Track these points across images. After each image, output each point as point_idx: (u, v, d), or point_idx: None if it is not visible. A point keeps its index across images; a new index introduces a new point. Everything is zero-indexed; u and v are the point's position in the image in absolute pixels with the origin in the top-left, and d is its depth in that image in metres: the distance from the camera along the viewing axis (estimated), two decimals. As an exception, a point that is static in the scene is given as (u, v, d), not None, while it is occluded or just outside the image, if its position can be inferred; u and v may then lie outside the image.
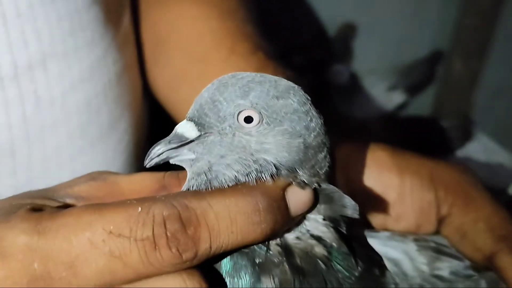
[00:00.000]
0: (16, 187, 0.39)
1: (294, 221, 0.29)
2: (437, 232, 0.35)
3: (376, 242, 0.32)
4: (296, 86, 0.30)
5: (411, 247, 0.31)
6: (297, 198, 0.28)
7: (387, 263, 0.30)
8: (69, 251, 0.24)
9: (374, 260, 0.29)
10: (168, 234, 0.25)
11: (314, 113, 0.29)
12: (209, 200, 0.26)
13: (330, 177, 0.30)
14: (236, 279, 0.28)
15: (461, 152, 0.94)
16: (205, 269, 0.27)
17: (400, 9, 1.25)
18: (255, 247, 0.28)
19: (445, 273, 0.30)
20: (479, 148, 0.95)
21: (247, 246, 0.28)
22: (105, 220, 0.25)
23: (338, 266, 0.28)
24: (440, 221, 0.34)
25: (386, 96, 1.29)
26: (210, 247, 0.26)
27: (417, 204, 0.34)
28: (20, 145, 0.42)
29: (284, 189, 0.28)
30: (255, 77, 0.29)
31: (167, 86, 0.52)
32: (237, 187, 0.28)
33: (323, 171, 0.29)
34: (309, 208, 0.29)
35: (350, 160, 0.36)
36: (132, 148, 0.51)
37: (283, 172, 0.28)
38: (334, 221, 0.30)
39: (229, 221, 0.26)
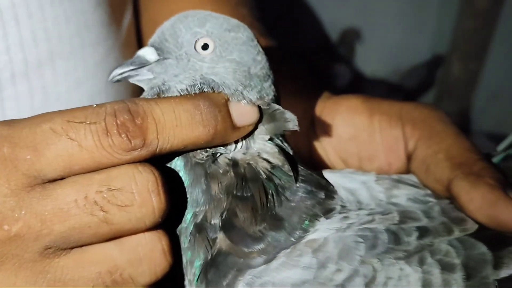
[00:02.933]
0: None
1: (239, 132, 0.31)
2: (408, 171, 0.35)
3: (335, 175, 0.33)
4: (245, 25, 0.33)
5: (370, 178, 0.32)
6: (239, 107, 0.31)
7: (342, 192, 0.32)
8: (33, 137, 0.28)
9: (320, 185, 0.31)
10: (118, 122, 0.28)
11: (260, 49, 0.32)
12: (156, 100, 0.30)
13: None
14: (192, 188, 0.31)
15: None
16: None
17: (400, 13, 1.26)
18: (207, 159, 0.31)
19: (401, 200, 0.31)
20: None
21: (195, 149, 0.31)
22: (64, 114, 0.29)
23: (278, 180, 0.31)
24: (409, 157, 0.34)
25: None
26: (157, 139, 0.29)
27: (386, 141, 0.35)
28: None
29: (227, 99, 0.31)
30: (212, 13, 0.32)
31: None
32: (183, 95, 0.31)
33: (269, 97, 0.32)
34: (253, 121, 0.31)
35: (325, 109, 0.38)
36: None
37: (226, 89, 0.32)
38: (281, 141, 0.32)
39: (173, 116, 0.29)
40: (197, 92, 0.31)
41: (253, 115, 0.31)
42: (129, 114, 0.29)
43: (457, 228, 0.28)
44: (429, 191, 0.32)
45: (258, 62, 0.32)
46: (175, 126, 0.29)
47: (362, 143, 0.36)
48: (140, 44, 0.58)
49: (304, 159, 0.35)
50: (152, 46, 0.33)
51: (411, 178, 0.34)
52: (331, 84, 1.23)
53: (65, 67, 0.46)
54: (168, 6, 0.56)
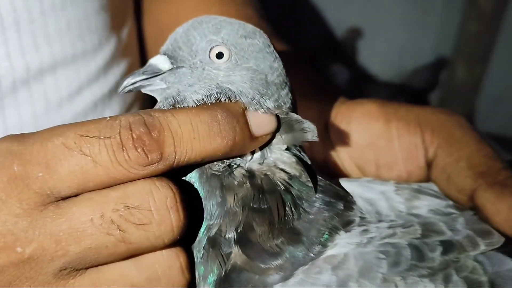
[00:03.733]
0: None
1: (257, 142, 0.30)
2: (428, 179, 0.34)
3: (353, 185, 0.32)
4: (261, 30, 0.32)
5: (390, 188, 0.31)
6: (257, 117, 0.30)
7: (361, 202, 0.30)
8: (44, 153, 0.27)
9: (339, 195, 0.30)
10: (134, 136, 0.27)
11: (277, 55, 0.31)
12: (172, 112, 0.28)
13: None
14: (207, 200, 0.30)
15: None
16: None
17: (404, 15, 1.26)
18: (224, 171, 0.30)
19: (423, 211, 0.30)
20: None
21: (212, 160, 0.30)
22: (77, 127, 0.27)
23: (296, 191, 0.30)
24: (429, 165, 0.33)
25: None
26: (175, 152, 0.28)
27: (405, 149, 0.34)
28: None
29: (244, 109, 0.30)
30: (226, 19, 0.31)
31: None
32: (199, 106, 0.30)
33: (287, 106, 0.31)
34: (271, 130, 0.31)
35: (339, 114, 0.37)
36: None
37: (243, 98, 0.30)
38: (299, 151, 0.31)
39: (191, 128, 0.28)
40: (213, 102, 0.30)
41: (271, 124, 0.31)
42: (145, 127, 0.28)
43: (482, 242, 0.27)
44: (451, 202, 0.31)
45: (275, 69, 0.31)
46: (192, 138, 0.28)
47: (379, 150, 0.34)
48: (142, 48, 0.57)
49: (318, 167, 0.34)
50: (165, 54, 0.31)
51: (432, 187, 0.32)
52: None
53: (67, 73, 0.45)
54: (171, 8, 0.55)
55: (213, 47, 0.30)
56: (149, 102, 0.57)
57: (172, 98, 0.31)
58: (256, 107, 0.31)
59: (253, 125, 0.30)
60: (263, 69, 0.31)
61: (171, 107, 0.31)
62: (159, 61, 0.31)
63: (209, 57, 0.30)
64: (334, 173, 0.37)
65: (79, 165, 0.27)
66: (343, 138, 0.36)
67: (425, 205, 0.30)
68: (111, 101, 0.49)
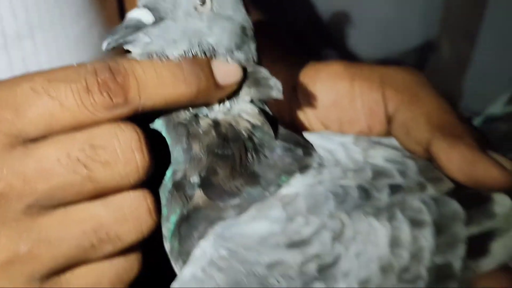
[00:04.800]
0: None
1: (222, 91, 0.32)
2: (389, 134, 0.36)
3: (314, 137, 0.34)
4: None
5: (349, 139, 0.33)
6: (223, 67, 0.32)
7: (321, 152, 0.32)
8: (13, 98, 0.28)
9: (299, 143, 0.32)
10: (99, 80, 0.29)
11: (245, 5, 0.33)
12: (137, 60, 0.30)
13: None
14: (174, 147, 0.32)
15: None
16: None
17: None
18: (190, 120, 0.32)
19: (378, 160, 0.32)
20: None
21: (177, 107, 0.32)
22: (45, 73, 0.29)
23: (257, 139, 0.31)
24: (389, 120, 0.36)
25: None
26: (139, 96, 0.30)
27: (367, 105, 0.36)
28: None
29: (210, 59, 0.32)
30: None
31: None
32: None
33: (255, 60, 0.33)
34: (237, 80, 0.32)
35: (307, 76, 0.39)
36: None
37: (220, 49, 0.32)
38: (261, 103, 0.33)
39: (155, 74, 0.30)
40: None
41: (237, 74, 0.32)
42: (110, 72, 0.29)
43: (432, 187, 0.29)
44: (407, 153, 0.33)
45: (248, 21, 0.33)
46: (157, 84, 0.30)
47: (343, 108, 0.37)
48: (123, 17, 0.57)
49: (286, 126, 0.35)
50: (146, 6, 0.31)
51: (391, 141, 0.34)
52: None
53: (45, 39, 0.47)
54: None
55: None
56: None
57: (155, 55, 0.31)
58: (227, 58, 0.33)
59: (218, 74, 0.32)
60: (241, 20, 0.32)
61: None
62: (140, 15, 0.31)
63: (192, 7, 0.31)
64: (301, 131, 0.38)
65: (46, 108, 0.28)
66: (309, 98, 0.38)
67: (381, 155, 0.32)
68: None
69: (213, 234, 0.29)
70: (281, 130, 0.33)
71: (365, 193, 0.28)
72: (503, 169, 0.28)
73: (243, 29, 0.32)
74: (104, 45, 0.32)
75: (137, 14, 0.31)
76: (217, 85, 0.32)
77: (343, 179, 0.30)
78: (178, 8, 0.31)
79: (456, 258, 0.27)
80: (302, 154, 0.31)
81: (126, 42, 0.32)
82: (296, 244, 0.27)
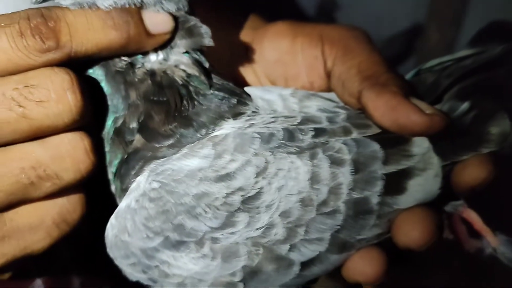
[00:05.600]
0: None
1: (154, 40, 0.33)
2: (330, 89, 0.38)
3: (255, 89, 0.35)
4: None
5: (287, 92, 0.35)
6: (153, 16, 0.32)
7: (259, 102, 0.34)
8: None
9: (234, 93, 0.33)
10: (32, 25, 0.30)
11: None
12: (69, 8, 0.31)
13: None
14: (113, 95, 0.33)
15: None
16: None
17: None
18: (127, 68, 0.33)
19: (312, 110, 0.33)
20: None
21: (111, 54, 0.33)
22: None
23: (193, 87, 0.33)
24: (328, 75, 0.37)
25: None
26: (71, 41, 0.31)
27: (307, 61, 0.37)
28: None
29: (139, 8, 0.32)
30: None
31: None
32: None
33: (185, 9, 0.34)
34: (168, 30, 0.33)
35: (256, 36, 0.41)
36: None
37: (149, 2, 0.33)
38: (198, 54, 0.34)
39: (85, 20, 0.31)
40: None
41: (168, 24, 0.33)
42: (42, 18, 0.30)
43: (356, 131, 0.31)
44: (341, 104, 0.34)
45: None
46: (87, 29, 0.31)
47: (286, 64, 0.38)
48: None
49: (232, 80, 0.37)
50: None
51: (330, 94, 0.36)
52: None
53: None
54: None
55: None
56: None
57: (86, 5, 0.32)
58: (157, 9, 0.33)
59: (149, 23, 0.32)
60: None
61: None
62: None
63: None
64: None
65: None
66: (256, 56, 0.39)
67: (315, 105, 0.34)
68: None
69: (147, 170, 0.31)
70: (217, 80, 0.33)
71: (289, 134, 0.30)
72: (422, 113, 0.30)
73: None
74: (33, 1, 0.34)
75: None
76: (148, 33, 0.32)
77: (272, 123, 0.31)
78: None
79: (373, 193, 0.29)
80: (236, 103, 0.32)
81: None
82: (221, 178, 0.29)
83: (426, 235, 0.30)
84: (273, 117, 0.32)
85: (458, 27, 1.15)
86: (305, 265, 0.29)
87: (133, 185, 0.31)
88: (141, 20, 0.32)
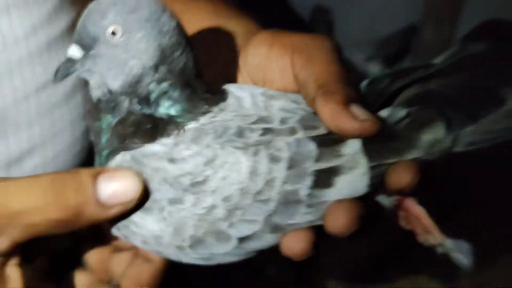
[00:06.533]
0: None
1: (109, 211, 0.34)
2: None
3: (235, 86, 0.40)
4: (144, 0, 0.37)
5: (258, 91, 0.39)
6: (110, 185, 0.34)
7: (231, 99, 0.38)
8: None
9: (204, 98, 0.37)
10: None
11: (166, 18, 0.36)
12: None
13: (192, 73, 0.38)
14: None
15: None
16: None
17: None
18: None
19: (274, 108, 0.38)
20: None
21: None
22: None
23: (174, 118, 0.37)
24: (297, 80, 0.40)
25: (363, 66, 1.33)
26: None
27: (281, 67, 0.40)
28: None
29: (95, 174, 0.34)
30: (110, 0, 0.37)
31: None
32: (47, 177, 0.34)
33: (178, 68, 0.37)
34: (126, 202, 0.34)
35: (245, 41, 0.44)
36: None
37: (146, 70, 0.36)
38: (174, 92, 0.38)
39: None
40: (128, 89, 0.37)
41: (127, 195, 0.34)
42: None
43: (302, 132, 0.35)
44: (304, 106, 0.38)
45: (165, 33, 0.36)
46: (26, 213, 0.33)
47: (264, 69, 0.42)
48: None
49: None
50: (76, 43, 0.37)
51: (297, 96, 0.39)
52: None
53: (20, 15, 0.49)
54: None
55: (106, 29, 0.36)
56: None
57: (104, 86, 0.37)
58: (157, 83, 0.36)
59: (102, 192, 0.34)
60: (154, 36, 0.36)
61: (103, 96, 0.37)
62: (72, 51, 0.37)
63: (108, 39, 0.36)
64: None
65: None
66: (242, 60, 0.43)
67: (279, 104, 0.38)
68: (64, 43, 0.53)
69: (120, 155, 0.36)
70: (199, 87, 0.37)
71: (239, 131, 0.35)
72: (356, 120, 0.35)
73: (159, 43, 0.36)
74: (54, 79, 0.37)
75: (71, 51, 0.37)
76: (100, 205, 0.34)
77: (230, 121, 0.36)
78: (98, 42, 0.36)
79: (303, 187, 0.34)
80: (206, 105, 0.37)
81: (71, 73, 0.37)
82: (175, 161, 0.35)
83: (349, 224, 0.34)
84: (234, 115, 0.36)
85: (454, 26, 1.16)
86: (242, 240, 0.34)
87: (112, 161, 0.36)
88: (92, 191, 0.33)
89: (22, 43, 0.49)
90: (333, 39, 0.40)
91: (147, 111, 0.36)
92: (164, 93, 0.36)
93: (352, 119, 0.35)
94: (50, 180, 0.33)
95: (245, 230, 0.34)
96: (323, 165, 0.35)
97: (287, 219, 0.35)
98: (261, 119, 0.36)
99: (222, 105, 0.37)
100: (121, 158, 0.36)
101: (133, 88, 0.36)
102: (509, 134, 0.38)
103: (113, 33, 0.36)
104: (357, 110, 0.35)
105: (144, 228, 0.35)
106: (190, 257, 0.36)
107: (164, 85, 0.36)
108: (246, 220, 0.34)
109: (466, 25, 1.19)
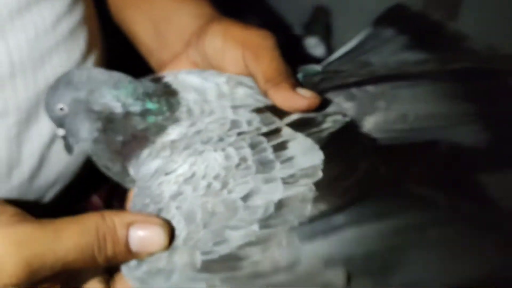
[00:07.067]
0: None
1: (137, 256, 0.38)
2: None
3: (195, 76, 0.46)
4: (93, 71, 0.44)
5: (222, 79, 0.46)
6: (140, 235, 0.37)
7: (191, 94, 0.44)
8: None
9: (167, 106, 0.43)
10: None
11: (121, 81, 0.43)
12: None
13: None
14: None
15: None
16: None
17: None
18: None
19: (238, 95, 0.45)
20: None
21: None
22: None
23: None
24: (248, 72, 0.47)
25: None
26: None
27: (233, 59, 0.47)
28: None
29: (127, 228, 0.37)
30: (62, 78, 0.44)
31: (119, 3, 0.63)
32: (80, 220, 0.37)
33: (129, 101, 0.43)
34: (155, 250, 0.38)
35: (202, 32, 0.49)
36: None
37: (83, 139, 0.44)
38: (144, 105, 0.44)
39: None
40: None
41: (156, 244, 0.37)
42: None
43: (264, 128, 0.42)
44: (259, 92, 0.45)
45: (104, 96, 0.42)
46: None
47: (218, 59, 0.47)
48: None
49: None
50: (57, 124, 0.45)
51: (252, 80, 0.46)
52: (305, 55, 1.23)
53: (47, 5, 0.53)
54: None
55: (56, 108, 0.43)
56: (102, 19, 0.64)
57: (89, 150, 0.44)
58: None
59: (134, 243, 0.37)
60: (103, 104, 0.42)
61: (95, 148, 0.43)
62: (59, 132, 0.45)
63: (61, 115, 0.43)
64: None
65: None
66: (199, 47, 0.49)
67: (241, 91, 0.45)
68: (82, 31, 0.57)
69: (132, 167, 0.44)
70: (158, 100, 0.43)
71: (220, 138, 0.41)
72: (305, 98, 0.42)
73: (100, 113, 0.42)
74: (68, 154, 0.46)
75: (59, 132, 0.45)
76: (130, 252, 0.37)
77: (209, 132, 0.42)
78: (59, 120, 0.44)
79: (268, 152, 0.40)
80: (171, 113, 0.43)
81: (71, 147, 0.45)
82: (172, 170, 0.40)
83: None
84: (208, 122, 0.42)
85: (454, 18, 1.15)
86: (245, 197, 0.38)
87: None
88: (126, 243, 0.37)
89: (50, 32, 0.53)
90: (274, 36, 0.47)
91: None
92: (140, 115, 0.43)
93: (301, 99, 0.42)
94: (94, 231, 0.36)
95: (243, 189, 0.38)
96: (274, 142, 0.41)
97: (270, 171, 0.40)
98: (233, 125, 0.42)
99: (183, 107, 0.43)
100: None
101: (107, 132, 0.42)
102: None
103: (62, 110, 0.43)
104: (302, 91, 0.43)
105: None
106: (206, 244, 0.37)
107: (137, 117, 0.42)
108: (239, 183, 0.39)
109: (465, 17, 1.18)
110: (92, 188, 0.63)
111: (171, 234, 0.37)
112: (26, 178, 0.53)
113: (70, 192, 0.59)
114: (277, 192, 0.38)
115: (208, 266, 0.36)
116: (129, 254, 0.37)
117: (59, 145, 0.54)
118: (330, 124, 0.43)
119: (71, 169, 0.57)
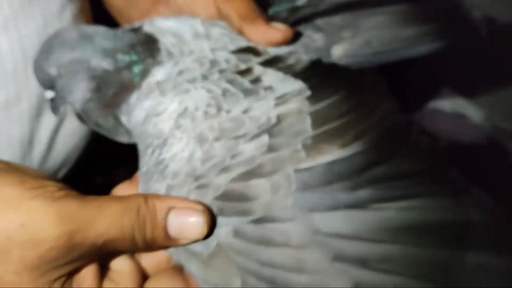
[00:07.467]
0: None
1: (173, 242, 0.37)
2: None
3: (171, 21, 0.47)
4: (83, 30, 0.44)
5: (197, 21, 0.47)
6: (180, 219, 0.36)
7: (169, 38, 0.45)
8: None
9: (147, 53, 0.44)
10: None
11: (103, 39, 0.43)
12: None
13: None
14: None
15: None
16: None
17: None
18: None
19: (213, 35, 0.46)
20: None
21: None
22: None
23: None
24: (220, 14, 0.48)
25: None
26: None
27: (204, 3, 0.48)
28: None
29: (167, 212, 0.36)
30: (53, 42, 0.43)
31: None
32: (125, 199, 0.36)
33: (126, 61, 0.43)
34: (194, 238, 0.36)
35: None
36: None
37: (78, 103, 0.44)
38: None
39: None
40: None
41: (196, 232, 0.36)
42: None
43: (243, 65, 0.43)
44: (234, 32, 0.46)
45: (97, 54, 0.42)
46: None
47: (190, 4, 0.49)
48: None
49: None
50: (46, 88, 0.44)
51: (225, 24, 0.47)
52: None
53: (24, 17, 0.52)
54: None
55: (50, 70, 0.43)
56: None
57: (75, 110, 0.44)
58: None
59: (172, 228, 0.36)
60: (87, 59, 0.42)
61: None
62: (46, 95, 0.44)
63: (53, 77, 0.43)
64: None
65: None
66: (169, 3, 0.51)
67: (217, 31, 0.46)
68: (84, 14, 0.58)
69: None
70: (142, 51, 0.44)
71: (204, 77, 0.42)
72: (280, 31, 0.44)
73: (95, 71, 0.42)
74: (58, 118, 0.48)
75: (47, 94, 0.44)
76: (168, 238, 0.36)
77: (192, 71, 0.43)
78: (53, 81, 0.43)
79: (246, 85, 0.41)
80: (153, 60, 0.43)
81: (57, 111, 0.45)
82: (160, 113, 0.41)
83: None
84: (191, 62, 0.43)
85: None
86: (245, 111, 0.40)
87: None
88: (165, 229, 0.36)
89: (56, 19, 0.54)
90: None
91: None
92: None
93: (276, 32, 0.44)
94: (135, 212, 0.35)
95: (240, 108, 0.40)
96: (250, 77, 0.42)
97: (257, 95, 0.41)
98: (213, 64, 0.43)
99: (163, 50, 0.44)
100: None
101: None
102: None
103: (58, 74, 0.43)
104: (277, 25, 0.45)
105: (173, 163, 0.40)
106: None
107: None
108: (233, 105, 0.40)
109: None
110: (93, 171, 0.64)
111: (211, 222, 0.36)
112: (37, 162, 0.55)
113: (73, 175, 0.60)
114: (271, 109, 0.39)
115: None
116: (168, 240, 0.36)
117: (66, 130, 0.55)
118: (293, 61, 0.44)
119: (76, 153, 0.58)
